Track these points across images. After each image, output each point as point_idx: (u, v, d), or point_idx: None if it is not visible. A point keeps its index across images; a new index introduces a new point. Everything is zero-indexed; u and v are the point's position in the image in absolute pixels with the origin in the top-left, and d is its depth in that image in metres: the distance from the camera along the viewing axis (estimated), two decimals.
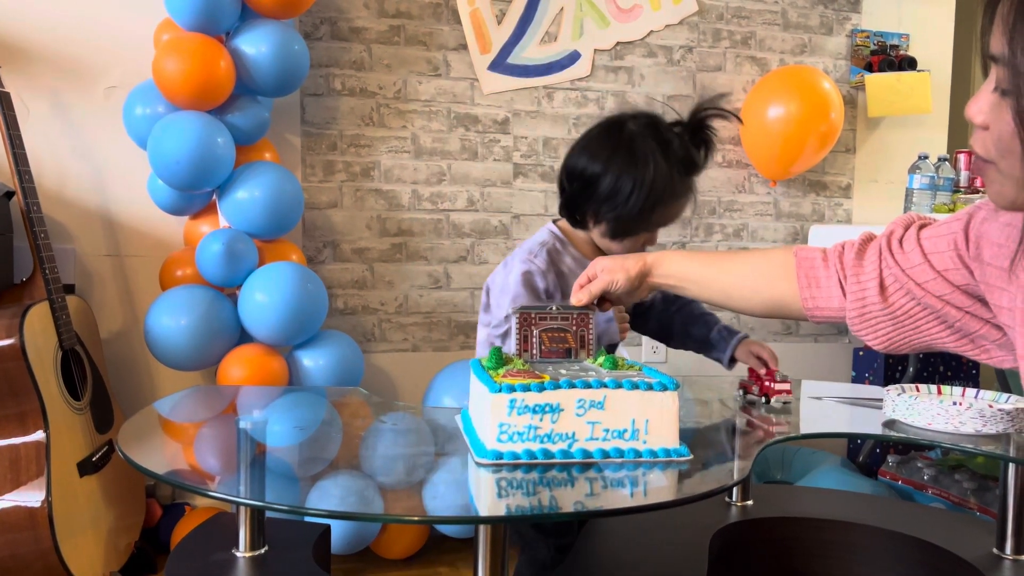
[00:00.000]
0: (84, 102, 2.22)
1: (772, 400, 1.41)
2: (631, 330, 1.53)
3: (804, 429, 1.40)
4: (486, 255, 2.58)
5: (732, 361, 1.58)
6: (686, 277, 1.19)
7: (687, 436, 1.23)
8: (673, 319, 1.63)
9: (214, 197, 2.08)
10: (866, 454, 2.64)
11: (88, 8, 2.21)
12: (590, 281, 1.23)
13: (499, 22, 2.54)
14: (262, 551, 1.22)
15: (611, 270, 1.20)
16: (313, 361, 2.05)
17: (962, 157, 2.74)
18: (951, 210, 2.48)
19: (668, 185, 1.31)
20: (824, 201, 2.89)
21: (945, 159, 2.62)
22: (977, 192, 2.63)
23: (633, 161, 1.31)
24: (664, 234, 2.37)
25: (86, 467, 1.85)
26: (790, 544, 1.46)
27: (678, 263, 1.19)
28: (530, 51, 2.57)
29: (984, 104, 0.71)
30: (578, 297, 1.22)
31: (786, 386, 1.42)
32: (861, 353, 2.87)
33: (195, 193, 2.04)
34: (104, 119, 2.22)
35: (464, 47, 2.52)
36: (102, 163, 2.24)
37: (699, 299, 1.25)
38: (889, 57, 2.84)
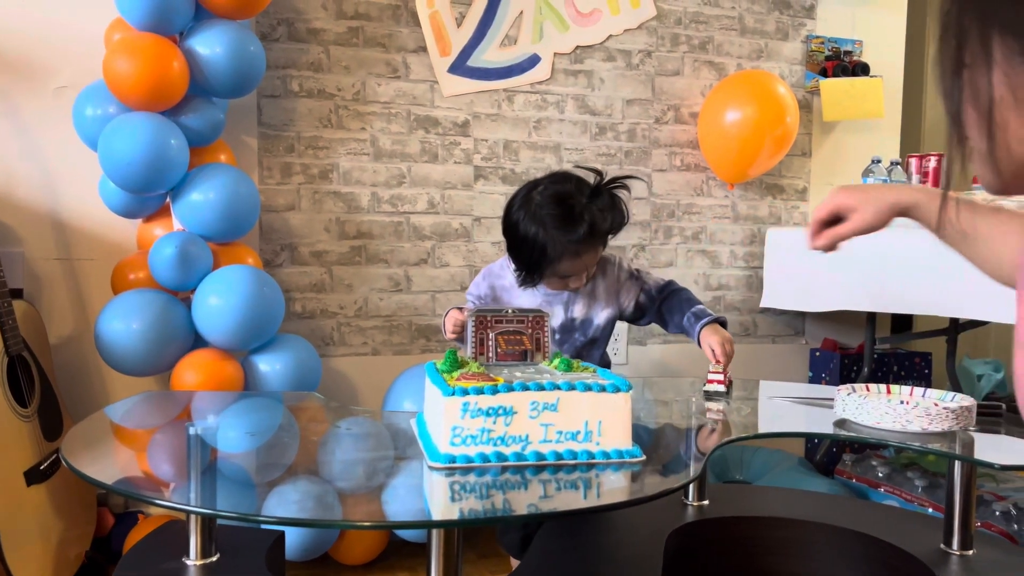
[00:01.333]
0: (33, 102, 2.17)
1: (705, 387, 1.55)
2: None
3: (759, 429, 1.42)
4: (447, 258, 2.57)
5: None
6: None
7: (643, 437, 1.24)
8: (661, 309, 1.72)
9: (168, 200, 2.04)
10: (823, 453, 2.68)
11: (37, 7, 2.16)
12: (832, 218, 1.12)
13: (459, 25, 2.53)
14: (213, 559, 1.20)
15: (862, 209, 1.09)
16: (269, 366, 2.02)
17: (913, 161, 2.79)
18: None
19: (553, 249, 1.52)
20: (781, 204, 2.94)
21: (897, 163, 2.67)
22: None
23: (526, 228, 1.55)
24: (623, 236, 2.38)
25: (34, 476, 1.80)
26: (745, 543, 1.47)
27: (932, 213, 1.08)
28: (490, 54, 2.57)
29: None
30: (816, 243, 1.13)
31: (718, 377, 1.54)
32: (817, 354, 2.91)
33: (148, 195, 2.00)
34: (53, 120, 2.17)
35: (424, 49, 2.51)
36: (51, 165, 2.19)
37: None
38: (843, 63, 2.89)
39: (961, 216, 1.06)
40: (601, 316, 1.70)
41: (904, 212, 1.10)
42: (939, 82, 0.68)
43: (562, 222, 1.52)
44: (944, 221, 1.02)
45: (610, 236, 1.60)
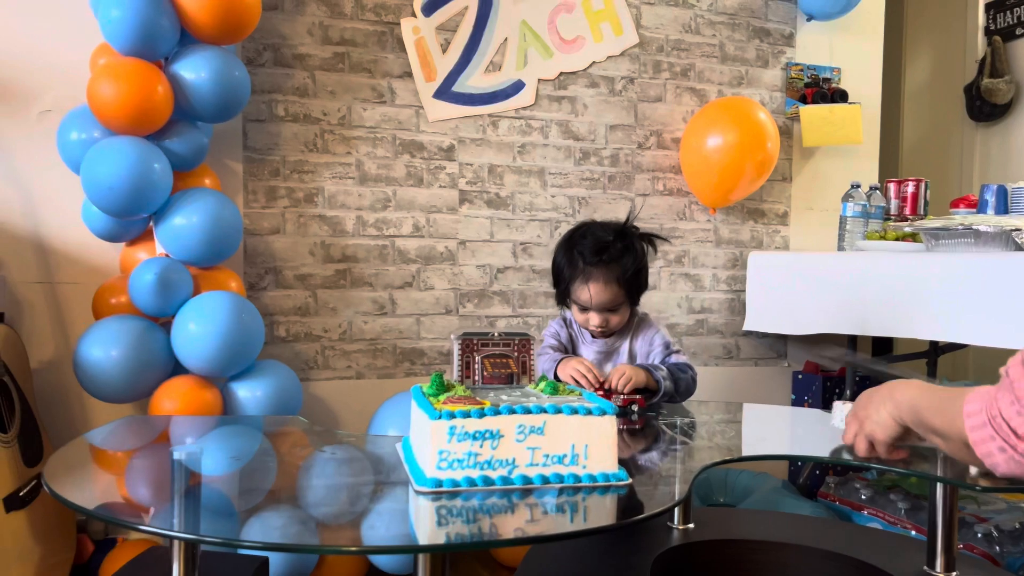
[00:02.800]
0: (16, 126, 2.17)
1: None
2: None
3: (743, 452, 1.43)
4: (432, 281, 2.58)
5: None
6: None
7: (629, 460, 1.24)
8: None
9: (151, 223, 2.03)
10: (806, 476, 2.69)
11: (22, 31, 2.16)
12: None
13: (444, 51, 2.56)
14: None
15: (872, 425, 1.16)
16: (249, 392, 2.01)
17: (892, 186, 2.84)
18: (882, 237, 2.57)
19: (569, 271, 1.76)
20: (762, 228, 2.97)
21: (876, 188, 2.71)
22: (906, 219, 2.73)
23: (558, 251, 1.81)
24: None
25: (13, 502, 1.78)
26: (730, 566, 1.47)
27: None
28: (475, 80, 2.60)
29: None
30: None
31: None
32: (800, 376, 2.93)
33: (130, 219, 1.99)
34: (37, 143, 2.16)
35: (409, 75, 2.53)
36: (34, 188, 2.18)
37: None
38: (822, 90, 2.94)
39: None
40: None
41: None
42: None
43: (581, 245, 1.75)
44: None
45: (626, 279, 1.74)
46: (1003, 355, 2.08)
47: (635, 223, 1.82)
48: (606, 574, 1.32)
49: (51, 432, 2.08)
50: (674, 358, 1.83)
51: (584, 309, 1.77)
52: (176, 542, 1.15)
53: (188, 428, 1.60)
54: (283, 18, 2.40)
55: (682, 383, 1.73)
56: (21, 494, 1.81)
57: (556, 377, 1.65)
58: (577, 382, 1.60)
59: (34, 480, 1.88)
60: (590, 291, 1.73)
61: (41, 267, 2.20)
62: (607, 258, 1.72)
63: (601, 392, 1.60)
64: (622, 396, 1.61)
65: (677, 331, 2.86)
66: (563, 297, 1.82)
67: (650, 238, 1.81)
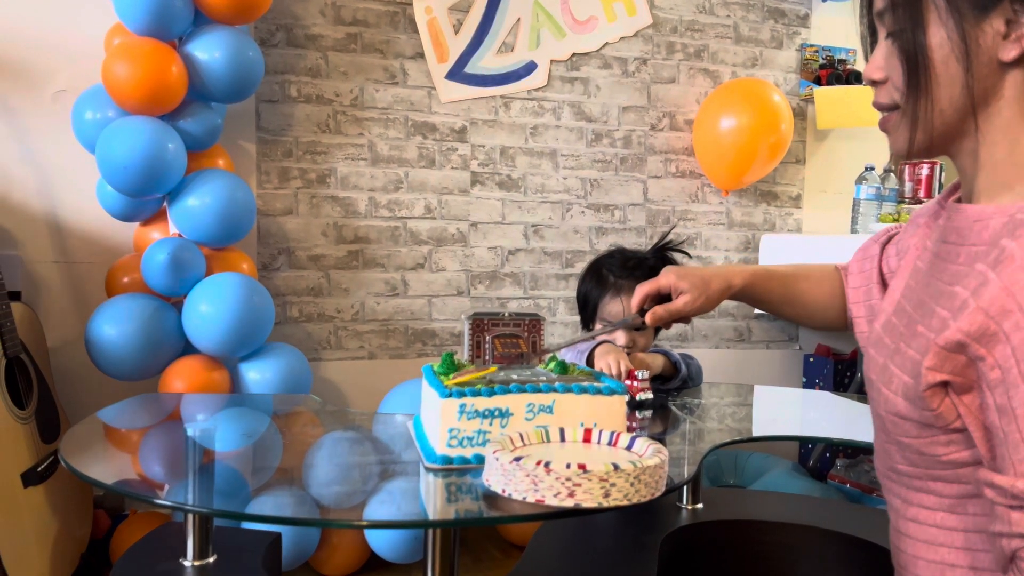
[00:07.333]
0: (32, 106, 2.18)
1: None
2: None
3: (753, 433, 1.43)
4: (444, 262, 2.59)
5: None
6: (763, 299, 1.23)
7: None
8: None
9: (165, 204, 2.05)
10: (816, 458, 2.69)
11: (37, 12, 2.17)
12: (659, 293, 1.24)
13: (456, 31, 2.55)
14: (210, 560, 1.20)
15: (693, 290, 1.20)
16: (259, 374, 2.02)
17: (907, 169, 2.82)
18: (896, 219, 2.55)
19: (598, 290, 1.73)
20: (775, 211, 2.95)
21: (890, 170, 2.70)
22: (920, 202, 2.71)
23: (583, 278, 1.79)
24: (622, 239, 2.40)
25: (31, 478, 1.81)
26: (739, 547, 1.48)
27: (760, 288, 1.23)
28: (487, 60, 2.59)
29: (879, 60, 0.79)
30: (648, 319, 1.25)
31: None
32: (811, 359, 2.93)
33: (145, 199, 2.01)
34: (52, 123, 2.18)
35: (421, 56, 2.52)
36: (50, 168, 2.20)
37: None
38: (837, 71, 2.92)
39: (777, 286, 1.21)
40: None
41: (736, 295, 1.22)
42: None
43: (609, 264, 1.74)
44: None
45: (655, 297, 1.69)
46: None
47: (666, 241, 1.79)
48: (615, 552, 1.33)
49: (68, 409, 2.10)
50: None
51: (609, 325, 1.71)
52: (191, 516, 1.17)
53: (200, 406, 1.62)
54: None
55: (693, 367, 1.73)
56: (39, 470, 1.84)
57: (589, 361, 1.58)
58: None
59: (51, 456, 1.91)
60: (623, 303, 1.68)
61: (57, 247, 2.23)
62: (640, 274, 1.68)
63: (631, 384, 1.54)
64: (635, 384, 1.57)
65: None
66: (589, 320, 1.77)
67: (681, 248, 1.77)
